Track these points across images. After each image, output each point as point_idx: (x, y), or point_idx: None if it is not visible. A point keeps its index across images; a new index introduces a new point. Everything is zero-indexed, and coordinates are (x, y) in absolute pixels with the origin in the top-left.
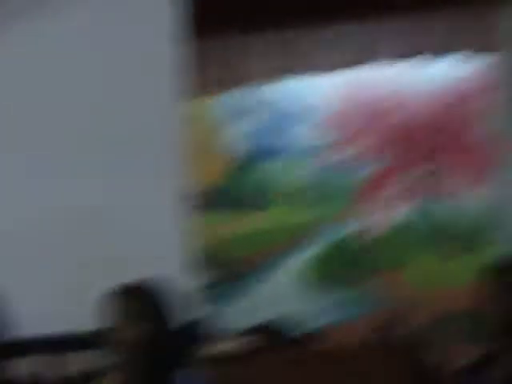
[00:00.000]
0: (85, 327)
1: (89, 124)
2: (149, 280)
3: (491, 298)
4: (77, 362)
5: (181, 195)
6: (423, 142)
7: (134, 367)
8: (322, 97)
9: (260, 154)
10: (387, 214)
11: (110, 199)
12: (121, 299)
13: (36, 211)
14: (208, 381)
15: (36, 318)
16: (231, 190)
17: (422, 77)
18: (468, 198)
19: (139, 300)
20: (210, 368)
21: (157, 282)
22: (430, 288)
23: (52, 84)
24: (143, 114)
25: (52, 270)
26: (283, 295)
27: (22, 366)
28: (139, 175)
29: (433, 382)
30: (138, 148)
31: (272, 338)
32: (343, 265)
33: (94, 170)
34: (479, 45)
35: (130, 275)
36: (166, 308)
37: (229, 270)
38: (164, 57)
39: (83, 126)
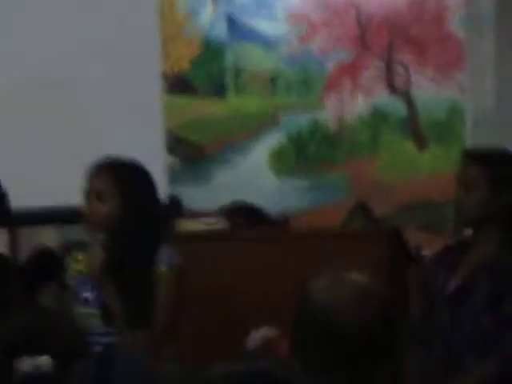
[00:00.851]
0: (64, 201)
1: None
2: (122, 157)
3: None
4: (56, 236)
5: (153, 76)
6: (384, 38)
7: (112, 244)
8: None
9: (224, 42)
10: (352, 104)
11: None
12: (96, 176)
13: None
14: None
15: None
16: (195, 75)
17: None
18: (435, 92)
19: (112, 177)
20: (186, 244)
21: (129, 159)
22: (401, 176)
23: None
24: None
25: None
26: (250, 180)
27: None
28: (117, 53)
29: (414, 265)
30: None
31: (247, 217)
32: (313, 152)
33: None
34: None
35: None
36: (139, 185)
37: (191, 153)
38: None
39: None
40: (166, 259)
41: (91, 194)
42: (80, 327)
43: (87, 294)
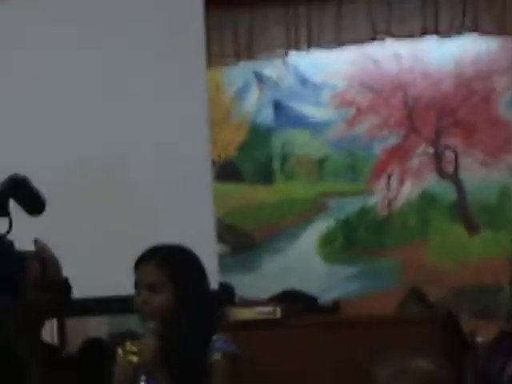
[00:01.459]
0: (111, 291)
1: (116, 90)
2: (169, 244)
3: None
4: (104, 326)
5: (203, 164)
6: (432, 121)
7: (165, 332)
8: (329, 74)
9: (270, 127)
10: (400, 189)
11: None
12: (147, 267)
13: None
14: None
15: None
16: (242, 161)
17: (433, 56)
18: (485, 175)
19: (164, 268)
20: (238, 332)
21: (177, 245)
22: (451, 260)
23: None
24: (171, 81)
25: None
26: (299, 266)
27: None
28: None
29: (469, 351)
30: (165, 113)
31: (298, 305)
32: (362, 237)
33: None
34: (494, 26)
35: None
36: (191, 272)
37: (240, 240)
38: (190, 26)
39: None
40: (220, 347)
41: (143, 285)
42: None
43: None
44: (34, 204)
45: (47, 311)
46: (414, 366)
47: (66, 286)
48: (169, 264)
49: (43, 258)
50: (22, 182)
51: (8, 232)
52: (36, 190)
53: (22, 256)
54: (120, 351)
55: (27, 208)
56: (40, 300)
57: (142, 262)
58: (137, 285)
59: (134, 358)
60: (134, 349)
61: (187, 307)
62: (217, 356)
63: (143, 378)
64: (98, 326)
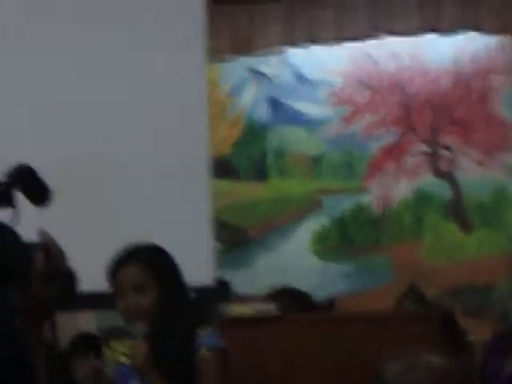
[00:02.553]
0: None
1: (116, 85)
2: (145, 243)
3: None
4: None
5: (201, 161)
6: (429, 119)
7: (153, 333)
8: (326, 71)
9: (266, 124)
10: (396, 187)
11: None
12: (131, 268)
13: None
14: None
15: None
16: (237, 158)
17: (431, 54)
18: (481, 174)
19: (149, 268)
20: (234, 328)
21: (152, 245)
22: (445, 259)
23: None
24: (171, 76)
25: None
26: (293, 264)
27: None
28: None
29: (466, 348)
30: (165, 109)
31: (293, 301)
32: (357, 235)
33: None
34: (492, 24)
35: (151, 232)
36: (173, 271)
37: (234, 237)
38: (190, 20)
39: (112, 85)
40: (207, 342)
41: (129, 287)
42: None
43: None
44: (40, 194)
45: (53, 302)
46: (425, 361)
47: (71, 276)
48: (152, 264)
49: (48, 249)
50: (27, 172)
51: (13, 222)
52: (42, 181)
53: (27, 246)
54: (107, 351)
55: (33, 198)
56: (46, 291)
57: (124, 264)
58: (119, 289)
59: (123, 359)
60: (122, 348)
61: (172, 306)
62: (204, 351)
63: (134, 381)
64: (86, 322)
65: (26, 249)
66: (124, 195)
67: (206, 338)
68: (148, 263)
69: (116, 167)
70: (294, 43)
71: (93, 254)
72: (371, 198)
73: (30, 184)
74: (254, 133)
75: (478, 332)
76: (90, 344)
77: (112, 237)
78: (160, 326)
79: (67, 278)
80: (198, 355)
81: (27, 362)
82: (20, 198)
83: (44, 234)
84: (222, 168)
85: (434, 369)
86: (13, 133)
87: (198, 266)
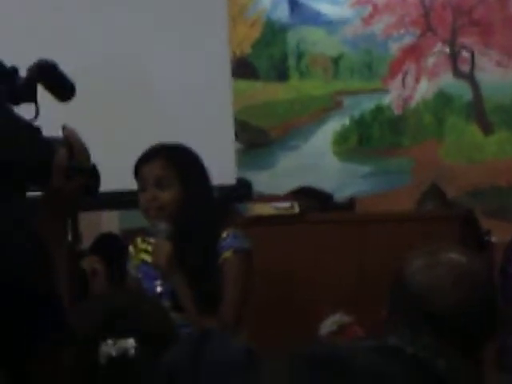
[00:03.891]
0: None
1: None
2: (176, 144)
3: None
4: (116, 221)
5: (222, 59)
6: (448, 20)
7: (176, 233)
8: None
9: (286, 24)
10: (416, 88)
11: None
12: (154, 163)
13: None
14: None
15: None
16: (257, 58)
17: None
18: (501, 75)
19: (172, 163)
20: (255, 228)
21: (179, 144)
22: (466, 160)
23: None
24: None
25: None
26: (313, 164)
27: None
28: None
29: (487, 248)
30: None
31: (314, 201)
32: (377, 136)
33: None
34: None
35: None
36: (197, 169)
37: (254, 138)
38: None
39: None
40: (230, 243)
41: (151, 182)
42: (166, 311)
43: (159, 289)
44: (64, 90)
45: (75, 198)
46: (446, 258)
47: (94, 172)
48: (176, 160)
49: (71, 144)
50: (50, 68)
51: (35, 118)
52: (65, 76)
53: (50, 142)
54: (131, 249)
55: (56, 94)
56: (67, 186)
57: (146, 160)
58: (142, 184)
59: (145, 257)
60: (145, 246)
61: (195, 204)
62: (228, 253)
63: (158, 282)
64: (109, 222)
65: (48, 144)
66: (146, 96)
67: (230, 240)
68: (170, 159)
69: (139, 67)
70: None
71: (117, 153)
72: (391, 99)
73: (54, 79)
74: (273, 33)
75: (499, 233)
76: (112, 244)
77: (136, 137)
78: (183, 226)
79: (90, 174)
80: (223, 257)
81: (47, 258)
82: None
83: (68, 130)
84: (242, 68)
85: (455, 266)
86: (37, 29)
87: (220, 166)
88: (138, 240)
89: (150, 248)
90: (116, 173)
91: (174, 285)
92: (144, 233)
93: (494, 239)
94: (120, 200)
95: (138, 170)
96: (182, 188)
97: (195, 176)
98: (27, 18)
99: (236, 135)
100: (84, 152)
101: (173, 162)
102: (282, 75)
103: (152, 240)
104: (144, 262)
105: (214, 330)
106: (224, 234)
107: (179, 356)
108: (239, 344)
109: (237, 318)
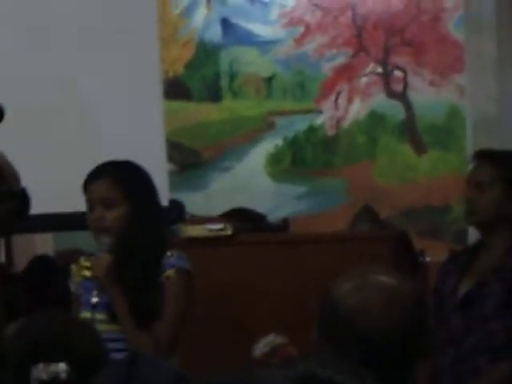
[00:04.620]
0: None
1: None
2: (119, 160)
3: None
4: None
5: (153, 81)
6: (381, 40)
7: (119, 249)
8: None
9: (219, 45)
10: (349, 108)
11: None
12: (100, 182)
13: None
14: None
15: None
16: (190, 79)
17: None
18: (434, 95)
19: (117, 182)
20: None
21: (127, 161)
22: (399, 180)
23: None
24: None
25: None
26: (246, 185)
27: None
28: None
29: (421, 269)
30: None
31: (247, 222)
32: (310, 156)
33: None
34: None
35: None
36: (144, 187)
37: (187, 159)
38: None
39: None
40: (174, 263)
41: (97, 201)
42: (96, 332)
43: (94, 299)
44: None
45: (7, 222)
46: (376, 280)
47: (24, 196)
48: (122, 179)
49: (0, 168)
50: None
51: None
52: None
53: None
54: (74, 267)
55: None
56: None
57: (94, 179)
58: (90, 202)
59: (88, 273)
60: (88, 264)
61: (141, 222)
62: (171, 272)
63: (95, 293)
64: (43, 244)
65: None
66: (76, 116)
67: (174, 259)
68: (117, 178)
69: (67, 89)
70: None
71: (48, 176)
72: (324, 119)
73: None
74: (206, 53)
75: (433, 253)
76: (46, 265)
77: (69, 157)
78: (127, 241)
79: (20, 197)
80: (165, 274)
81: None
82: None
83: None
84: (175, 89)
85: (385, 288)
86: None
87: None
88: (82, 259)
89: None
90: (49, 195)
91: (112, 297)
92: (79, 253)
93: (427, 259)
94: (54, 222)
95: (86, 189)
96: (130, 206)
97: (142, 194)
98: None
99: (168, 156)
100: (14, 175)
101: (119, 181)
102: (214, 96)
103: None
104: (86, 278)
105: (144, 354)
106: (169, 253)
107: (109, 380)
108: (169, 368)
109: (172, 337)
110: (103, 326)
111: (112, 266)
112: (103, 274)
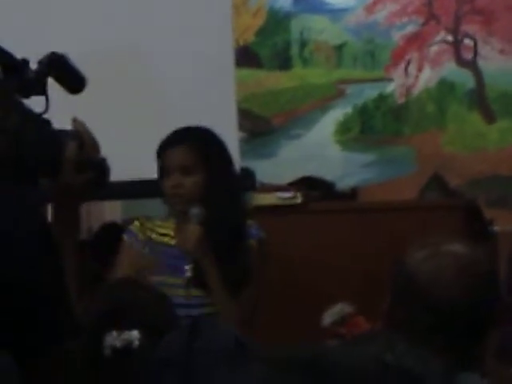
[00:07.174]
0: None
1: None
2: (201, 127)
3: None
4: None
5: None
6: (451, 8)
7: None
8: None
9: (289, 13)
10: (419, 76)
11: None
12: (178, 149)
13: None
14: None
15: None
16: (261, 47)
17: None
18: (503, 63)
19: (196, 149)
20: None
21: (203, 127)
22: (468, 149)
23: None
24: None
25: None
26: (315, 153)
27: None
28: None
29: (490, 238)
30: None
31: (316, 190)
32: (379, 125)
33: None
34: None
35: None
36: (221, 154)
37: (257, 127)
38: None
39: None
40: (254, 233)
41: (175, 168)
42: (168, 300)
43: (175, 264)
44: (75, 82)
45: (84, 192)
46: (450, 249)
47: (103, 166)
48: (200, 145)
49: (81, 137)
50: (61, 60)
51: (45, 111)
52: (76, 69)
53: (60, 135)
54: (137, 223)
55: (67, 87)
56: (77, 180)
57: (170, 145)
58: (165, 169)
59: (165, 239)
60: (151, 226)
61: (221, 189)
62: (253, 242)
63: (188, 266)
64: (111, 212)
65: (58, 137)
66: (149, 84)
67: (254, 230)
68: (195, 145)
69: (141, 57)
70: None
71: (119, 143)
72: (394, 87)
73: (65, 72)
74: (276, 21)
75: (502, 222)
76: (114, 233)
77: (138, 127)
78: (211, 209)
79: (99, 167)
80: (247, 245)
81: (56, 253)
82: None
83: (78, 123)
84: (245, 57)
85: (459, 256)
86: (45, 21)
87: None
88: (143, 219)
89: (161, 230)
90: (118, 163)
91: (205, 268)
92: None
93: (496, 228)
94: (123, 190)
95: (161, 155)
96: (207, 173)
97: (220, 161)
98: (27, 7)
99: (238, 124)
100: (94, 145)
101: (197, 148)
102: (285, 63)
103: (160, 221)
104: (167, 244)
105: (205, 319)
106: (249, 222)
107: (172, 345)
108: (230, 334)
109: (253, 312)
110: (181, 292)
111: (202, 238)
112: (195, 246)
